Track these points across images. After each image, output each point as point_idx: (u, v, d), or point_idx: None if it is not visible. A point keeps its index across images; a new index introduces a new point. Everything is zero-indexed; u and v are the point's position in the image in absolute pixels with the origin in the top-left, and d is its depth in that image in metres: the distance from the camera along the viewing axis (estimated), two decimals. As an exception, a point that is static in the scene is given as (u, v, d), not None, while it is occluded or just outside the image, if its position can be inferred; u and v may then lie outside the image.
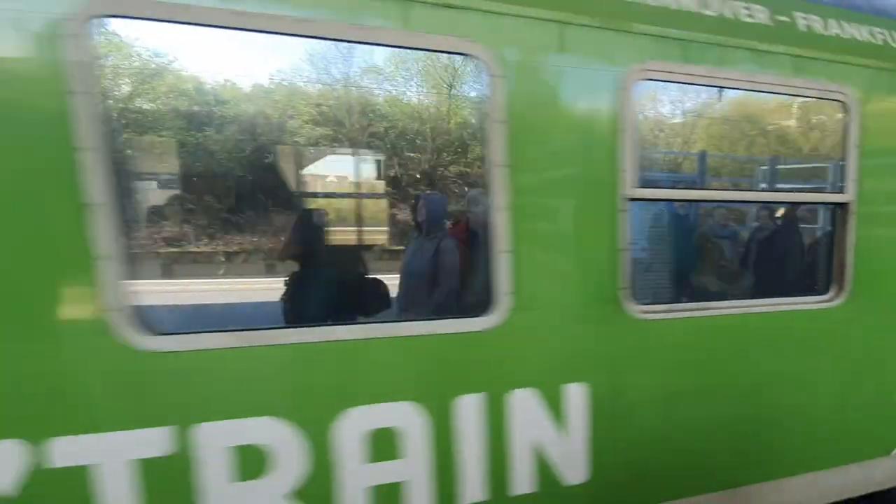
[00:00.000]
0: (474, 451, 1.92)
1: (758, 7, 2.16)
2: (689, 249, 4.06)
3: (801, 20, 2.22)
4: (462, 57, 1.79)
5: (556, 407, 2.01)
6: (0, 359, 1.45)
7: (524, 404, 1.96)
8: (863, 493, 2.59)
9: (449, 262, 2.83)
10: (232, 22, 1.51)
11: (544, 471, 2.02)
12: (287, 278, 3.15)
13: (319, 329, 1.73)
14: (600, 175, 1.97)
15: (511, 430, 1.96)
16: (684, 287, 3.63)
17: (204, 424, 1.62)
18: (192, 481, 1.63)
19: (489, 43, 1.77)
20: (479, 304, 1.90)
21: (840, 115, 2.31)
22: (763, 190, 6.55)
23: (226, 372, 1.64)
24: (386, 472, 1.83)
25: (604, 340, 2.04)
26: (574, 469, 2.07)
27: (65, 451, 1.51)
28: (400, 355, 1.83)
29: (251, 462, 1.68)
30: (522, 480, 2.00)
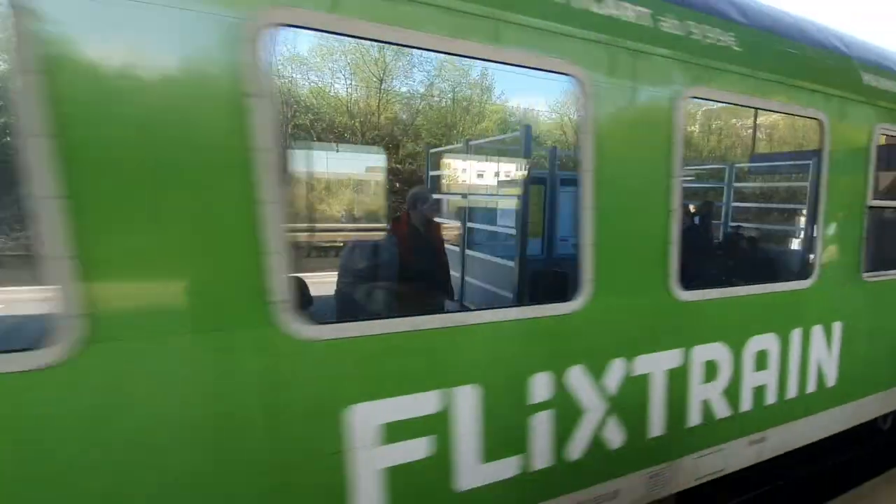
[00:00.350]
0: (795, 363, 3.08)
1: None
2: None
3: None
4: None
5: (829, 337, 3.22)
6: (624, 311, 2.35)
7: (816, 334, 3.15)
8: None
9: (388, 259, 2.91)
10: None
11: (821, 377, 3.24)
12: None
13: (756, 286, 2.79)
14: (858, 190, 3.20)
15: (810, 350, 3.14)
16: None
17: (696, 347, 2.62)
18: (685, 383, 2.62)
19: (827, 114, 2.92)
20: (802, 272, 3.05)
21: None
22: None
23: (713, 316, 2.65)
24: (759, 378, 2.93)
25: (853, 295, 3.30)
26: (831, 377, 3.30)
27: (642, 363, 2.44)
28: (764, 304, 2.92)
29: (710, 371, 2.70)
30: (811, 382, 3.20)
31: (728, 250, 4.22)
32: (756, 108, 2.67)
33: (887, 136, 3.30)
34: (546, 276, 2.98)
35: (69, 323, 1.36)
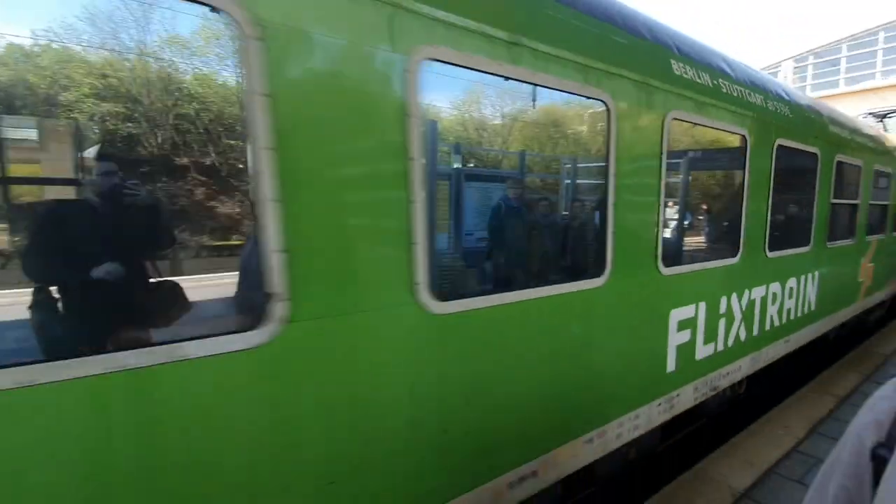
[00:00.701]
0: (801, 296, 5.26)
1: None
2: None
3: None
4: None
5: (814, 280, 5.46)
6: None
7: (810, 278, 5.37)
8: None
9: None
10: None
11: (809, 305, 5.47)
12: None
13: (793, 249, 4.85)
14: (827, 191, 5.45)
15: (808, 288, 5.34)
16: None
17: (770, 284, 4.62)
18: (766, 306, 4.61)
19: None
20: (804, 241, 5.22)
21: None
22: None
23: (778, 266, 4.66)
24: (789, 303, 5.04)
25: (823, 256, 5.57)
26: (813, 305, 5.56)
27: (753, 293, 4.37)
28: (794, 259, 5.03)
29: (774, 299, 4.73)
30: (806, 307, 5.41)
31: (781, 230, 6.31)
32: (798, 150, 4.72)
33: (840, 161, 5.60)
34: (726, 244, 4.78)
35: (607, 267, 2.87)
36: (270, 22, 1.53)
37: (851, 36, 39.17)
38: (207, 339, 1.52)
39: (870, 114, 12.02)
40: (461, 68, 2.05)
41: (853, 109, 12.69)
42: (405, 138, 1.89)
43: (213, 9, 1.44)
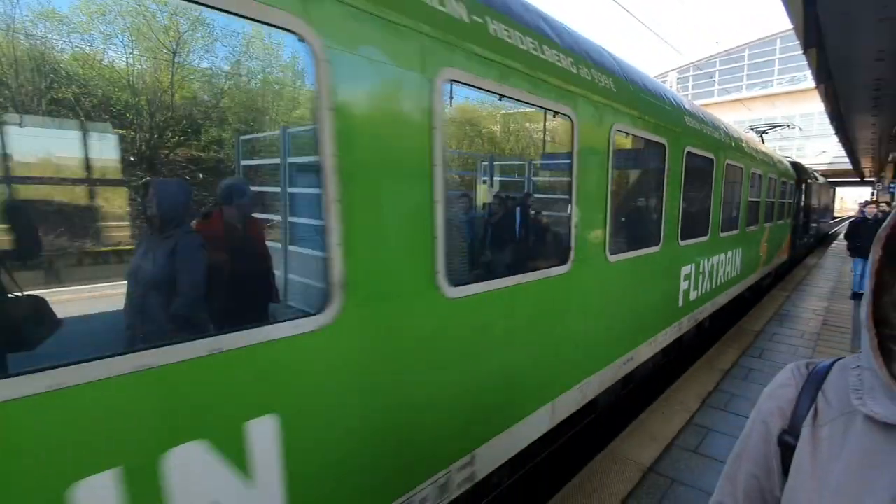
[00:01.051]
0: (733, 262, 7.78)
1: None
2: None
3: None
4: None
5: (739, 252, 8.04)
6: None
7: (739, 251, 7.92)
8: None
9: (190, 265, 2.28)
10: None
11: (735, 269, 8.04)
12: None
13: (733, 231, 7.30)
14: (745, 192, 8.05)
15: (737, 257, 7.88)
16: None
17: (719, 254, 7.01)
18: (720, 268, 7.00)
19: None
20: (734, 227, 7.76)
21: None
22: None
23: (726, 242, 7.07)
24: (728, 268, 7.51)
25: (744, 237, 8.18)
26: (738, 269, 8.14)
27: (714, 259, 6.72)
28: (732, 238, 7.51)
29: (722, 264, 7.14)
30: (735, 270, 7.97)
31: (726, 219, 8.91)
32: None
33: (753, 172, 8.21)
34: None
35: (661, 240, 4.88)
36: (582, 119, 3.31)
37: (724, 51, 46.50)
38: (556, 267, 3.28)
39: (751, 129, 15.62)
40: (622, 133, 3.92)
41: (725, 117, 16.23)
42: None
43: (556, 113, 3.19)
